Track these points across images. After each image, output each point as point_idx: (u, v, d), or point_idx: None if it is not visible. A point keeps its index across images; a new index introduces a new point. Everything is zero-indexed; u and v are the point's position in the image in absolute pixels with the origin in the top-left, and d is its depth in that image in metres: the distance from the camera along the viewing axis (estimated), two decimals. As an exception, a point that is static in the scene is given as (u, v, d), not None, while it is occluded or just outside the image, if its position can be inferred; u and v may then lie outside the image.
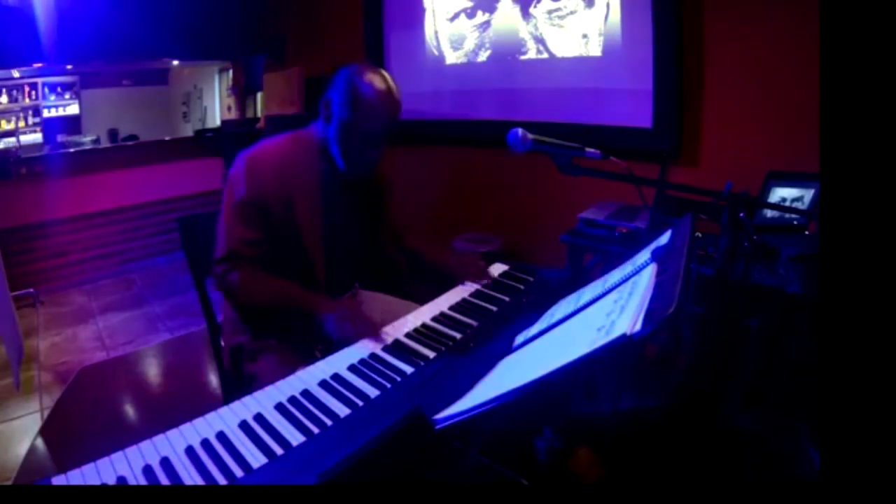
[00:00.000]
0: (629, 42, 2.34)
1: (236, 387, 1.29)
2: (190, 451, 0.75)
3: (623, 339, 0.59)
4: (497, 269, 1.44)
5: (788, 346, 1.47)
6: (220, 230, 1.22)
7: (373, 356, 1.01)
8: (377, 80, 1.15)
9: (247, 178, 1.19)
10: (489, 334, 1.08)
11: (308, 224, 1.23)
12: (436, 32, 3.13)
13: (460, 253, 1.45)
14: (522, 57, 2.75)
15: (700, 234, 1.64)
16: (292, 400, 0.88)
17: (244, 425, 0.81)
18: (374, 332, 1.08)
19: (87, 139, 5.41)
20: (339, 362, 0.99)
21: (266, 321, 1.25)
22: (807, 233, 1.81)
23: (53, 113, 5.49)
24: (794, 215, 1.70)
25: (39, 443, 2.01)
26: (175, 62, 5.88)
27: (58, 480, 0.67)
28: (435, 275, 1.41)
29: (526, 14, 2.70)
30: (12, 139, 5.12)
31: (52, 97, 5.47)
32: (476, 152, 3.03)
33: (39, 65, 4.54)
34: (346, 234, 1.32)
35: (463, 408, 0.73)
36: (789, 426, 1.35)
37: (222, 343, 1.35)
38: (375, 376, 0.94)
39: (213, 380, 2.40)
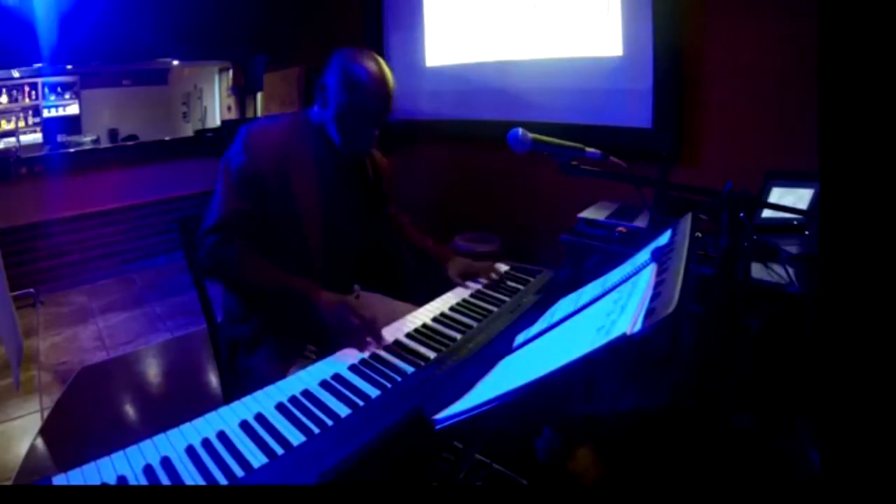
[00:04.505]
0: (629, 42, 2.34)
1: (234, 382, 1.29)
2: (190, 450, 0.75)
3: (623, 338, 0.59)
4: (497, 268, 1.44)
5: (788, 346, 1.47)
6: (215, 200, 1.20)
7: (373, 356, 1.01)
8: (370, 63, 1.19)
9: (246, 151, 1.19)
10: (489, 334, 1.08)
11: (305, 204, 1.22)
12: (436, 32, 3.13)
13: (464, 260, 1.43)
14: (522, 57, 2.74)
15: (700, 234, 1.64)
16: (293, 400, 0.88)
17: (245, 425, 0.81)
18: (374, 327, 1.06)
19: (87, 139, 5.41)
20: (340, 362, 0.99)
21: (260, 306, 1.24)
22: (807, 233, 1.81)
23: (53, 113, 5.48)
24: (793, 215, 1.71)
25: (39, 443, 2.01)
26: (175, 62, 5.88)
27: (58, 480, 0.67)
28: (435, 272, 1.42)
29: (526, 14, 2.70)
30: (12, 139, 5.12)
31: (52, 97, 5.47)
32: (476, 152, 3.03)
33: (39, 65, 4.54)
34: (343, 217, 1.30)
35: (463, 408, 0.73)
36: (789, 426, 1.35)
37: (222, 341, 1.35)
38: (376, 376, 0.94)
39: (213, 380, 2.40)
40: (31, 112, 5.36)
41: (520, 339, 0.96)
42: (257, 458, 0.74)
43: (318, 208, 1.24)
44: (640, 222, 2.03)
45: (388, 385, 0.91)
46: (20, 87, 5.27)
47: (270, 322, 1.23)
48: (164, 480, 0.70)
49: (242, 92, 5.48)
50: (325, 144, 1.25)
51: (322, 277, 1.23)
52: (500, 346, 0.98)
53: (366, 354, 1.01)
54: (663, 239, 0.91)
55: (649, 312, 0.62)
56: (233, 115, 5.66)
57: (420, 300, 1.29)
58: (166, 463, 0.73)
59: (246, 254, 1.16)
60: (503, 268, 1.44)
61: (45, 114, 5.42)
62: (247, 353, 1.24)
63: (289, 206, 1.20)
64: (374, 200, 1.40)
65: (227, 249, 1.15)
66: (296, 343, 1.19)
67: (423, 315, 1.19)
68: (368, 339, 1.04)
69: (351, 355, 1.01)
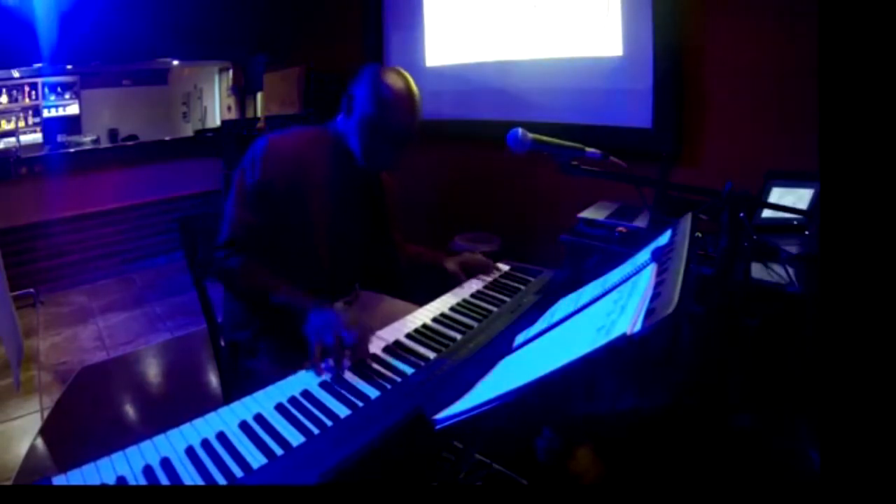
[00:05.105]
0: (629, 42, 2.34)
1: (236, 386, 1.29)
2: (190, 451, 0.75)
3: (623, 338, 0.59)
4: (498, 268, 1.44)
5: (788, 346, 1.47)
6: (228, 213, 1.20)
7: (374, 357, 1.01)
8: (399, 80, 1.20)
9: (263, 162, 1.19)
10: (489, 335, 1.08)
11: (315, 215, 1.23)
12: (436, 32, 3.13)
13: (460, 255, 1.43)
14: (522, 57, 2.74)
15: (700, 234, 1.64)
16: (292, 400, 0.88)
17: (244, 425, 0.81)
18: (363, 343, 0.99)
19: (87, 139, 5.41)
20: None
21: (263, 314, 1.24)
22: (807, 233, 1.81)
23: (53, 113, 5.48)
24: (793, 215, 1.70)
25: (39, 443, 2.01)
26: (175, 62, 5.88)
27: (58, 480, 0.67)
28: (436, 276, 1.42)
29: (526, 14, 2.70)
30: (12, 139, 5.11)
31: (52, 97, 5.46)
32: (476, 152, 3.03)
33: (39, 65, 4.54)
34: (353, 233, 1.32)
35: (463, 408, 0.73)
36: (789, 426, 1.35)
37: (222, 342, 1.35)
38: (376, 377, 0.94)
39: (213, 380, 2.40)
40: (31, 112, 5.36)
41: (520, 339, 0.96)
42: (257, 459, 0.74)
43: (328, 220, 1.25)
44: (640, 222, 2.02)
45: (388, 385, 0.91)
46: (20, 87, 5.27)
47: (272, 325, 1.23)
48: (164, 481, 0.70)
49: (242, 92, 5.48)
50: (342, 156, 1.26)
51: (326, 282, 1.25)
52: (501, 347, 0.98)
53: (326, 377, 0.95)
54: (663, 239, 0.91)
55: (649, 312, 0.62)
56: (233, 115, 5.65)
57: (420, 300, 1.29)
58: (166, 463, 0.73)
59: (248, 266, 1.16)
60: (501, 269, 1.44)
61: (45, 114, 5.42)
62: (248, 356, 1.24)
63: (299, 217, 1.21)
64: (379, 212, 1.41)
65: (231, 263, 1.16)
66: (298, 346, 1.19)
67: (423, 315, 1.19)
68: (339, 359, 0.96)
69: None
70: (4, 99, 5.18)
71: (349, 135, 1.24)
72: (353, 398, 0.88)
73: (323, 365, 0.96)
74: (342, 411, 0.84)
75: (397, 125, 1.19)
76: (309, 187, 1.22)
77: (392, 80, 1.19)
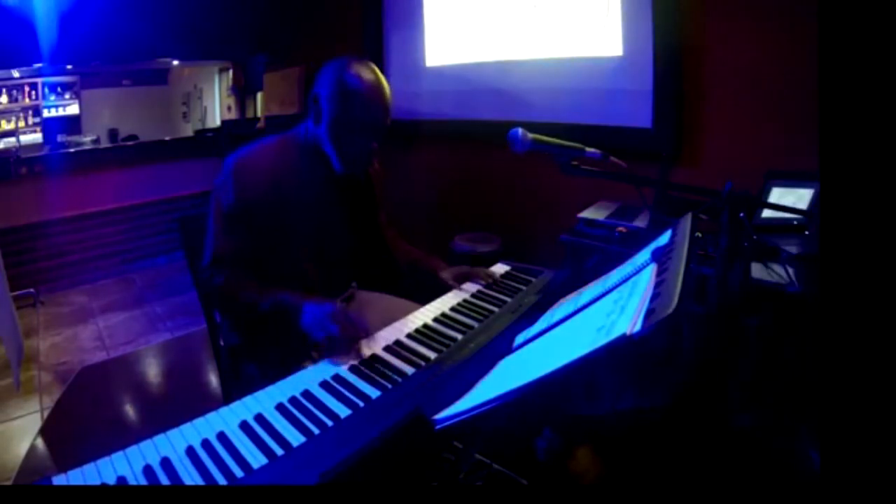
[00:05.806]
0: (629, 42, 2.34)
1: (236, 386, 1.29)
2: (190, 451, 0.75)
3: (623, 338, 0.59)
4: (499, 269, 1.44)
5: (788, 346, 1.47)
6: (208, 238, 1.18)
7: (374, 357, 1.01)
8: (364, 71, 1.14)
9: (235, 185, 1.14)
10: (490, 335, 1.08)
11: (299, 225, 1.20)
12: (436, 32, 3.13)
13: (456, 269, 1.41)
14: (522, 57, 2.74)
15: (700, 234, 1.64)
16: (293, 400, 0.88)
17: (244, 425, 0.81)
18: (359, 331, 1.01)
19: (87, 139, 5.41)
20: (340, 362, 0.99)
21: (258, 324, 1.22)
22: (807, 233, 1.81)
23: (53, 113, 5.47)
24: (793, 215, 1.70)
25: (39, 443, 2.01)
26: (175, 62, 5.87)
27: (58, 480, 0.68)
28: (431, 281, 1.41)
29: (526, 14, 2.70)
30: (12, 139, 5.11)
31: (52, 97, 5.46)
32: (476, 152, 3.03)
33: (39, 65, 4.54)
34: (341, 236, 1.30)
35: (463, 408, 0.73)
36: (789, 426, 1.35)
37: (222, 343, 1.35)
38: (376, 376, 0.94)
39: (213, 380, 2.41)
40: (31, 112, 5.36)
41: (520, 339, 0.96)
42: (257, 459, 0.74)
43: (313, 226, 1.22)
44: (640, 222, 2.03)
45: (389, 385, 0.91)
46: (20, 87, 5.27)
47: (270, 330, 1.23)
48: (164, 481, 0.70)
49: (242, 92, 5.49)
50: (317, 160, 1.21)
51: (319, 288, 1.23)
52: (501, 347, 0.98)
53: (366, 355, 1.01)
54: (663, 239, 0.91)
55: (649, 313, 0.62)
56: (233, 115, 5.65)
57: (420, 300, 1.29)
58: (166, 463, 0.73)
59: (233, 281, 1.14)
60: (502, 269, 1.44)
61: (45, 114, 5.41)
62: (248, 359, 1.24)
63: (283, 229, 1.18)
64: (368, 207, 1.38)
65: (216, 281, 1.14)
66: (297, 349, 1.19)
67: (424, 315, 1.19)
68: (350, 346, 0.98)
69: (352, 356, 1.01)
70: (4, 99, 5.17)
71: (321, 140, 1.19)
72: (353, 398, 0.88)
73: (331, 359, 0.97)
74: (342, 411, 0.84)
75: (370, 117, 1.13)
76: (286, 200, 1.17)
77: (356, 70, 1.12)
